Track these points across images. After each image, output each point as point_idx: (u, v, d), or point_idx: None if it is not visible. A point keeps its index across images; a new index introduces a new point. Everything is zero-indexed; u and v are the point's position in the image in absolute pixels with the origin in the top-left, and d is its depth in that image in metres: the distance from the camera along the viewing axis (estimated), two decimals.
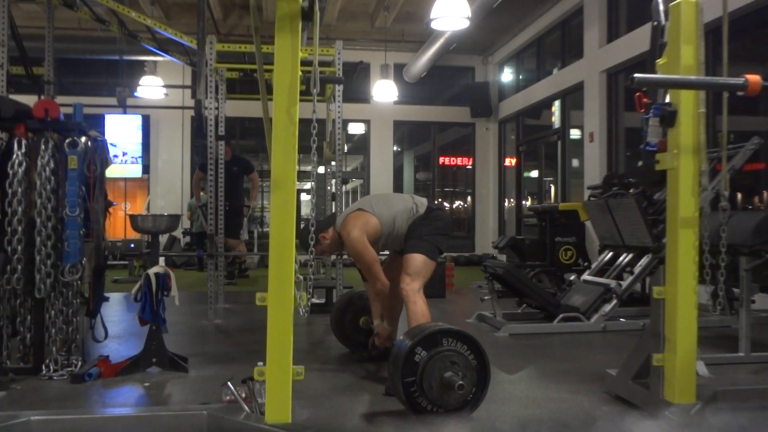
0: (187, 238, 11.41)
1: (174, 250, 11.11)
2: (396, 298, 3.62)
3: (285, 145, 2.33)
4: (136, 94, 9.54)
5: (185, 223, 10.68)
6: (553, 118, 10.79)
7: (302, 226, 2.77)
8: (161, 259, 5.10)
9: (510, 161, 12.73)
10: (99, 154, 3.69)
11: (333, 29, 10.97)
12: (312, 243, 2.66)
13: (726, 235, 2.85)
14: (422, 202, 3.66)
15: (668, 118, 2.75)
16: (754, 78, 2.52)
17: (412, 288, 3.38)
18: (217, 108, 6.14)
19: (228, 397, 2.71)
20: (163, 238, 10.42)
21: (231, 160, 7.57)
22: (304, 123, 2.42)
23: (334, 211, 5.81)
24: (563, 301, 5.52)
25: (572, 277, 6.13)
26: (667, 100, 2.81)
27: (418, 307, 3.34)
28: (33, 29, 7.33)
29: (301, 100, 2.36)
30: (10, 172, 3.43)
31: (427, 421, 2.69)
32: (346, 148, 11.93)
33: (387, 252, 3.85)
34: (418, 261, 3.44)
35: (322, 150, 6.59)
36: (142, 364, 3.61)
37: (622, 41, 8.40)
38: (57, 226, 3.51)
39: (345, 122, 6.48)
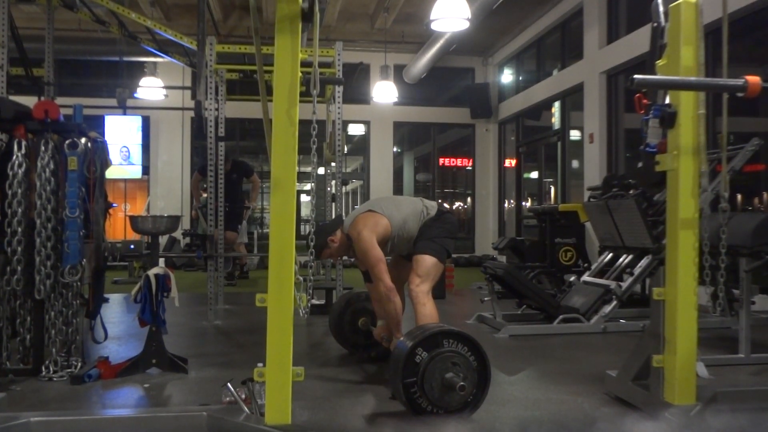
0: (187, 239, 11.41)
1: (174, 251, 11.11)
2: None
3: (285, 146, 2.33)
4: (136, 95, 9.54)
5: (185, 223, 10.66)
6: (553, 119, 10.80)
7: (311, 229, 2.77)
8: (161, 260, 5.09)
9: (510, 162, 12.73)
10: (99, 156, 3.69)
11: (333, 30, 10.97)
12: (312, 248, 2.66)
13: (726, 237, 2.85)
14: (432, 205, 3.66)
15: (668, 119, 2.75)
16: (753, 79, 2.52)
17: (422, 290, 3.37)
18: (217, 109, 6.14)
19: (228, 399, 2.71)
20: (162, 239, 10.42)
21: (230, 169, 7.53)
22: (304, 124, 2.42)
23: (334, 212, 5.81)
24: (563, 303, 5.51)
25: (572, 279, 6.12)
26: (667, 101, 2.81)
27: (427, 310, 3.33)
28: (33, 30, 7.35)
29: (301, 101, 2.36)
30: (10, 173, 3.43)
31: (428, 422, 2.69)
32: (346, 149, 11.94)
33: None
34: (429, 263, 3.44)
35: (322, 151, 6.59)
36: (142, 365, 3.61)
37: (622, 42, 8.40)
38: (57, 227, 3.50)
39: (345, 123, 6.48)
